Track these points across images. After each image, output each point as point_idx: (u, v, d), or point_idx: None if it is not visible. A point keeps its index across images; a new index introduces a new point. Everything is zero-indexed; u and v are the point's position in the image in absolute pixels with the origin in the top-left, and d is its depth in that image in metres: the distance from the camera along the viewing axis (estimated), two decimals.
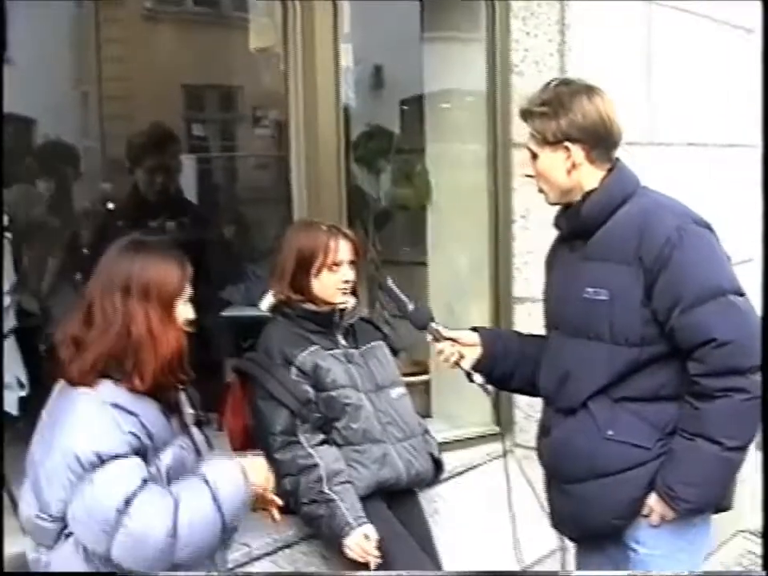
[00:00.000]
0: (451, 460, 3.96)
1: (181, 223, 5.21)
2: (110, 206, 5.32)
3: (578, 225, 2.67)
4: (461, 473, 4.02)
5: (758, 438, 2.61)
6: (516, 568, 3.69)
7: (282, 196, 4.07)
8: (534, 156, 2.68)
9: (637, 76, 4.13)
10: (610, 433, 2.59)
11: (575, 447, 2.65)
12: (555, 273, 2.83)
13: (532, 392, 2.95)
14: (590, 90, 2.66)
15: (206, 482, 2.36)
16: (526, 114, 2.69)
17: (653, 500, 2.58)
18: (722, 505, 2.70)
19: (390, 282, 3.00)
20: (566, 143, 2.61)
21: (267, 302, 3.31)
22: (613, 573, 2.85)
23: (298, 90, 3.56)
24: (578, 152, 2.61)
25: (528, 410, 4.15)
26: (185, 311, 2.44)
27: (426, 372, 4.54)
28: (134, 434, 2.28)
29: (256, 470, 2.51)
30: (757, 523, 4.96)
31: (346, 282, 3.23)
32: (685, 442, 2.50)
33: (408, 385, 3.68)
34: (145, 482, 2.27)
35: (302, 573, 3.24)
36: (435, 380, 4.52)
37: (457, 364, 2.88)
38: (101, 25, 10.84)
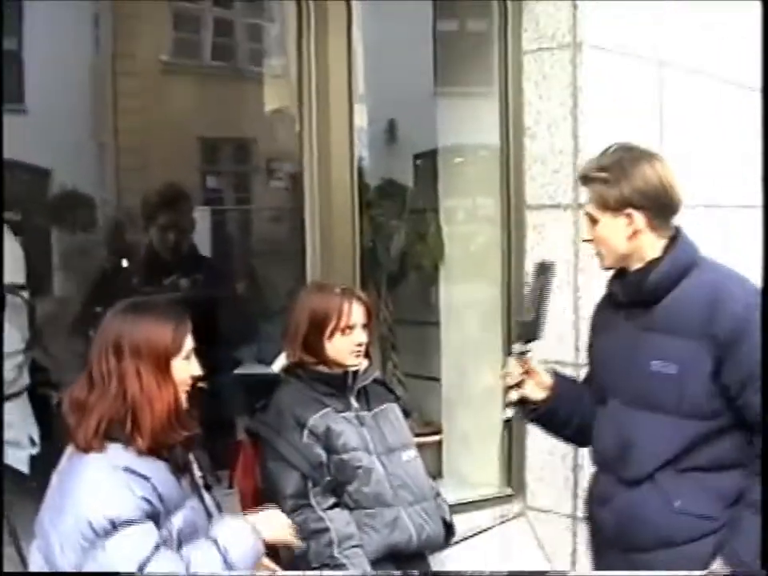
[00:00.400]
0: (463, 522, 3.93)
1: (195, 280, 5.25)
2: (125, 263, 5.34)
3: (640, 294, 2.66)
4: (473, 535, 3.98)
5: None
6: None
7: (295, 249, 4.09)
8: (594, 221, 2.68)
9: (649, 138, 4.14)
10: (678, 504, 2.58)
11: (643, 519, 2.63)
12: (607, 339, 2.79)
13: (581, 442, 2.98)
14: (651, 156, 2.68)
15: (216, 544, 2.35)
16: (587, 180, 2.69)
17: (717, 567, 2.54)
18: None
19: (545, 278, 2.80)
20: (628, 210, 2.60)
21: (280, 363, 3.30)
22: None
23: (312, 150, 3.60)
24: (639, 219, 2.60)
25: (539, 472, 4.14)
26: (185, 368, 2.45)
27: (437, 432, 4.54)
28: (147, 499, 2.27)
29: (271, 524, 2.54)
30: None
31: (359, 345, 3.22)
32: (752, 516, 2.49)
33: (419, 445, 3.67)
34: (157, 547, 2.26)
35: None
36: (447, 440, 4.51)
37: (509, 389, 2.80)
38: (117, 77, 10.96)
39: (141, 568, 2.21)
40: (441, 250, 4.52)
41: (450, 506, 3.56)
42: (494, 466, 4.29)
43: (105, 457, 2.31)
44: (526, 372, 2.80)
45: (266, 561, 2.65)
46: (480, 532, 4.02)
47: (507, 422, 2.96)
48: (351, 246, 3.70)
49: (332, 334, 3.18)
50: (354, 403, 3.28)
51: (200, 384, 4.80)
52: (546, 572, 3.18)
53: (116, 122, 11.72)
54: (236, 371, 4.64)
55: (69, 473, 2.35)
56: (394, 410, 3.40)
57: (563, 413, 2.86)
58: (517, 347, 2.80)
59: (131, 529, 2.23)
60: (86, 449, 2.32)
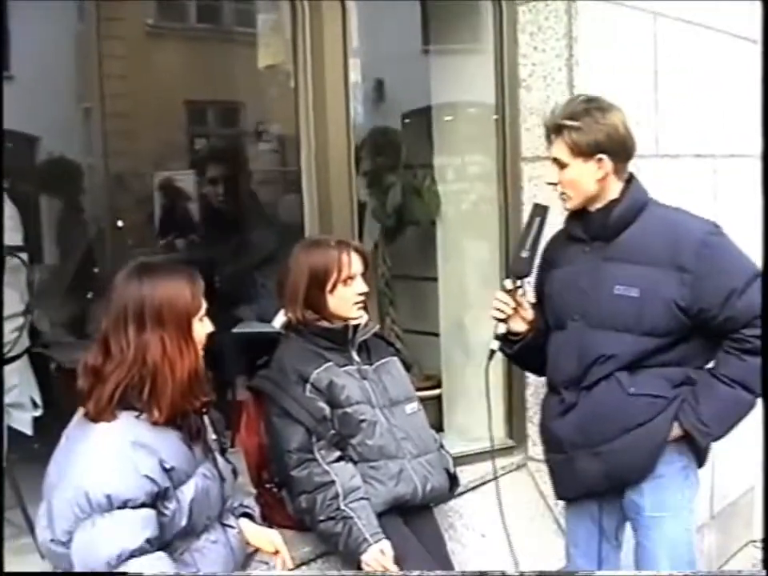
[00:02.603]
0: (465, 474, 3.97)
1: (191, 241, 5.26)
2: (120, 224, 5.34)
3: (604, 229, 2.96)
4: (476, 486, 4.01)
5: None
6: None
7: (286, 210, 4.08)
8: (563, 166, 2.95)
9: (643, 89, 4.14)
10: (632, 390, 2.92)
11: (603, 410, 2.96)
12: (567, 270, 3.07)
13: (536, 372, 3.37)
14: (614, 107, 2.98)
15: None
16: (559, 128, 2.92)
17: (676, 432, 2.94)
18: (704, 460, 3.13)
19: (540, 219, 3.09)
20: (600, 155, 2.90)
21: (280, 320, 3.30)
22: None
23: (308, 106, 3.56)
24: (608, 163, 2.91)
25: None
26: (202, 328, 2.43)
27: (438, 386, 4.55)
28: (151, 479, 2.26)
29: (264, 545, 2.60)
30: None
31: (361, 294, 3.23)
32: (724, 387, 2.87)
33: (420, 399, 3.68)
34: (150, 541, 2.24)
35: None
36: (447, 394, 4.52)
37: (498, 321, 3.12)
38: (103, 41, 10.85)
39: (119, 557, 2.20)
40: (437, 205, 4.50)
41: (454, 458, 3.60)
42: (494, 418, 4.29)
43: (115, 428, 2.29)
44: (515, 307, 3.10)
45: (277, 541, 2.66)
46: (482, 483, 4.03)
47: (492, 354, 3.15)
48: (349, 203, 3.67)
49: (334, 287, 3.18)
50: (356, 357, 3.29)
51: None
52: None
53: (102, 87, 11.64)
54: (235, 330, 4.63)
55: (77, 439, 2.33)
56: (395, 363, 3.42)
57: (536, 344, 3.14)
58: (509, 283, 3.11)
59: (126, 512, 2.22)
60: (98, 417, 2.30)
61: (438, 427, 4.40)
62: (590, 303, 2.96)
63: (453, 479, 3.43)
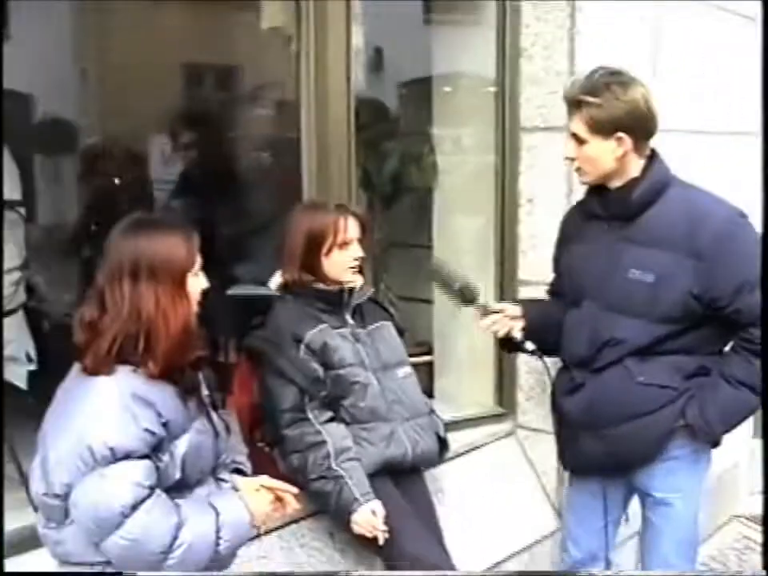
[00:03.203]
0: (455, 440, 4.00)
1: (188, 203, 5.26)
2: (117, 181, 5.34)
3: (624, 209, 2.89)
4: (465, 453, 4.05)
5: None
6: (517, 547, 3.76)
7: (284, 174, 4.08)
8: (581, 141, 2.85)
9: (645, 61, 4.14)
10: (641, 378, 2.88)
11: (610, 395, 2.94)
12: (584, 248, 3.02)
13: (554, 353, 3.16)
14: (636, 82, 2.87)
15: (217, 516, 2.37)
16: (578, 103, 2.82)
17: (681, 424, 2.92)
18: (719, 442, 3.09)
19: (437, 263, 3.34)
20: (619, 133, 2.81)
21: (276, 281, 3.33)
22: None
23: (309, 71, 3.56)
24: (628, 141, 2.82)
25: (530, 392, 4.21)
26: (197, 283, 2.43)
27: (429, 353, 4.58)
28: (149, 431, 2.27)
29: (260, 503, 2.56)
30: (752, 509, 5.04)
31: (356, 259, 3.26)
32: (730, 389, 2.85)
33: (411, 365, 3.71)
34: (153, 489, 2.27)
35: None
36: (438, 361, 4.56)
37: (509, 336, 3.09)
38: (102, 1, 10.79)
39: (134, 506, 2.23)
40: (434, 173, 4.52)
41: (446, 424, 3.64)
42: (484, 386, 4.34)
43: (113, 381, 2.29)
44: (504, 317, 3.10)
45: (269, 482, 2.67)
46: (472, 449, 4.07)
47: (536, 353, 3.10)
48: (347, 169, 3.68)
49: (329, 251, 3.21)
50: (350, 320, 3.33)
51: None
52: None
53: (99, 47, 11.57)
54: (230, 291, 4.65)
55: (75, 393, 2.34)
56: (388, 327, 3.45)
57: (539, 329, 3.10)
58: (478, 306, 3.11)
59: (130, 463, 2.24)
60: (95, 371, 2.31)
61: (429, 393, 4.43)
62: (604, 285, 2.92)
63: (443, 443, 3.47)
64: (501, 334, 3.09)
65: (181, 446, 2.38)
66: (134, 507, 2.23)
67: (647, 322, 2.85)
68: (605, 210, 2.95)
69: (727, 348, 2.95)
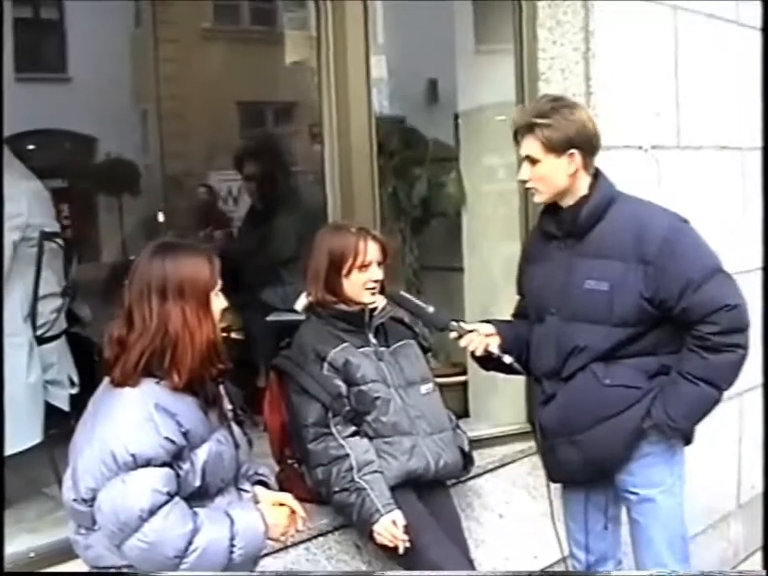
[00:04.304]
0: (486, 456, 4.09)
1: (228, 233, 5.44)
2: (161, 217, 5.53)
3: (575, 226, 3.07)
4: (495, 468, 4.12)
5: None
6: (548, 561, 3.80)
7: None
8: (534, 162, 3.04)
9: (663, 80, 4.23)
10: (607, 381, 3.03)
11: (579, 400, 3.08)
12: (543, 266, 3.19)
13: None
14: (578, 104, 3.15)
15: (232, 524, 2.47)
16: (531, 126, 3.01)
17: (648, 424, 3.04)
18: (690, 438, 3.22)
19: (402, 293, 3.35)
20: (572, 150, 3.00)
21: (301, 302, 3.45)
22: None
23: (331, 100, 3.70)
24: (579, 158, 3.02)
25: None
26: (219, 302, 2.57)
27: (463, 373, 4.65)
28: (170, 440, 2.40)
29: (278, 517, 2.66)
30: None
31: (375, 281, 3.35)
32: (688, 384, 2.97)
33: (446, 386, 3.79)
34: (171, 496, 2.39)
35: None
36: (472, 381, 4.63)
37: (487, 351, 3.18)
38: (159, 44, 11.10)
39: (152, 511, 2.35)
40: (462, 197, 4.62)
41: (475, 441, 3.72)
42: (516, 403, 4.40)
43: (138, 391, 2.44)
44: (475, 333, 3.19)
45: (289, 500, 2.76)
46: (503, 465, 4.14)
47: (515, 366, 3.17)
48: (371, 194, 3.80)
49: (349, 272, 3.32)
50: (372, 340, 3.43)
51: (235, 335, 4.97)
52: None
53: (158, 88, 11.89)
54: (269, 318, 4.78)
55: (102, 403, 2.49)
56: (411, 346, 3.55)
57: (513, 345, 3.23)
58: (454, 334, 3.21)
59: (150, 470, 2.36)
60: (123, 383, 2.45)
61: (464, 413, 4.53)
62: (564, 298, 3.07)
63: (467, 458, 3.55)
64: (479, 351, 3.18)
65: (201, 454, 2.50)
66: (152, 512, 2.35)
67: (607, 327, 3.00)
68: (559, 229, 3.12)
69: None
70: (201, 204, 8.05)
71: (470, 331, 3.19)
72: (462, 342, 3.19)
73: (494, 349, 3.17)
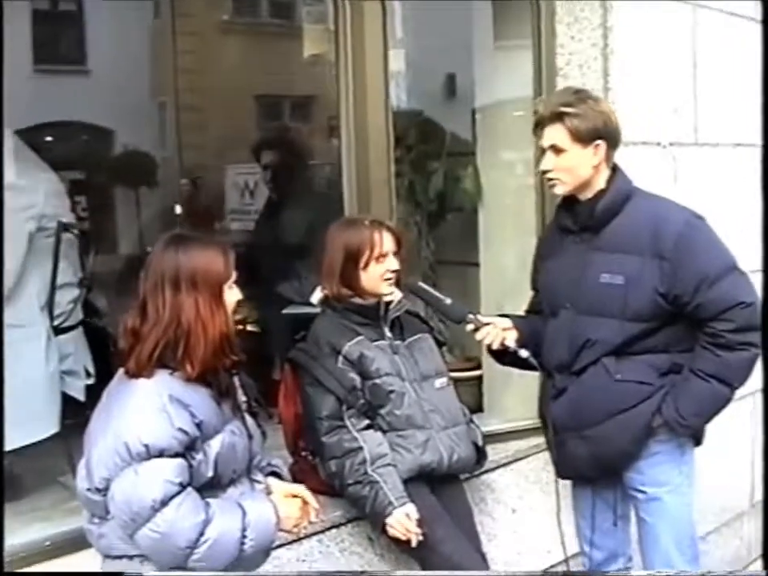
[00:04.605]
0: (500, 451, 4.09)
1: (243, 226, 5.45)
2: (178, 210, 5.55)
3: (591, 220, 3.07)
4: (507, 463, 4.12)
5: None
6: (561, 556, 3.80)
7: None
8: (559, 152, 3.02)
9: (681, 78, 4.22)
10: (618, 376, 3.03)
11: (591, 394, 3.08)
12: (559, 261, 3.19)
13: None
14: (601, 98, 3.17)
15: (244, 515, 2.48)
16: (559, 115, 3.00)
17: (658, 422, 3.04)
18: (701, 439, 3.21)
19: (421, 284, 3.36)
20: (598, 141, 3.00)
21: (317, 296, 3.46)
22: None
23: (348, 94, 3.71)
24: (602, 151, 3.01)
25: None
26: (232, 295, 2.58)
27: (478, 367, 4.66)
28: (183, 430, 2.41)
29: (290, 509, 2.68)
30: None
31: (392, 271, 3.36)
32: (700, 382, 2.97)
33: (461, 380, 3.79)
34: (184, 486, 2.41)
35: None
36: (487, 375, 4.64)
37: (503, 345, 3.18)
38: (178, 36, 11.13)
39: (164, 502, 2.37)
40: (478, 192, 4.62)
41: (489, 436, 3.72)
42: (531, 398, 4.39)
43: (152, 382, 2.46)
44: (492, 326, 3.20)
45: (302, 491, 2.77)
46: (515, 460, 4.15)
47: (531, 360, 3.16)
48: (387, 189, 3.81)
49: (366, 264, 3.33)
50: (388, 333, 3.43)
51: (251, 327, 4.98)
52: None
53: (176, 81, 11.92)
54: (286, 311, 4.79)
55: (117, 394, 2.51)
56: (427, 339, 3.56)
57: (529, 340, 3.22)
58: (470, 326, 3.21)
59: (163, 460, 2.38)
60: (137, 374, 2.47)
61: (478, 407, 4.53)
62: (579, 291, 3.07)
63: (480, 452, 3.56)
64: (496, 344, 3.19)
65: (214, 445, 2.52)
66: (164, 503, 2.37)
67: (620, 321, 3.00)
68: (575, 223, 3.12)
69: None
70: (184, 199, 8.12)
71: (487, 324, 3.19)
72: (479, 335, 3.19)
73: (511, 343, 3.16)
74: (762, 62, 3.67)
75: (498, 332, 3.18)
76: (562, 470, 3.28)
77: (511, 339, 3.18)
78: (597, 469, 3.17)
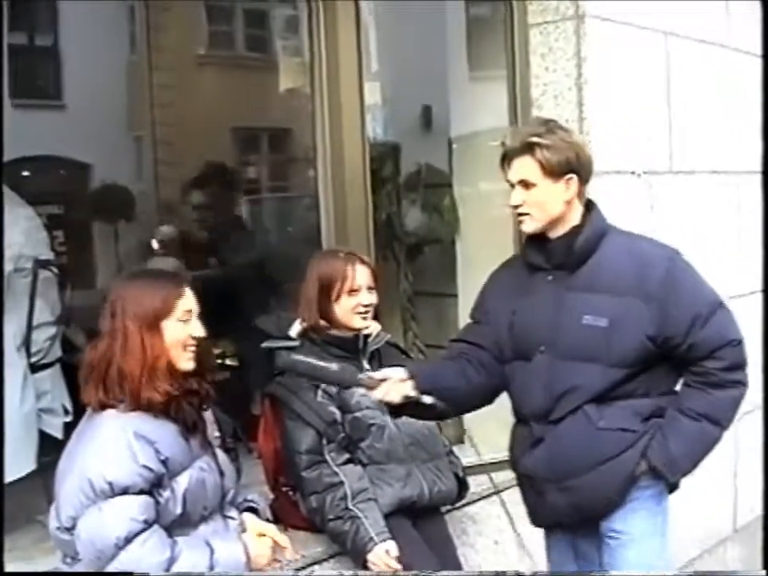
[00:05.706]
0: (481, 483, 4.07)
1: (222, 260, 5.44)
2: (155, 244, 5.53)
3: (568, 258, 2.87)
4: (488, 495, 4.10)
5: None
6: None
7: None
8: (528, 186, 2.84)
9: (656, 106, 4.25)
10: (600, 423, 2.84)
11: (571, 444, 2.87)
12: (530, 300, 2.95)
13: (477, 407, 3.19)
14: (572, 130, 3.04)
15: (212, 554, 2.47)
16: (531, 146, 2.81)
17: (644, 468, 2.87)
18: (677, 485, 3.02)
19: (295, 356, 2.95)
20: (570, 175, 2.83)
21: (296, 329, 3.45)
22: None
23: (324, 126, 3.72)
24: (575, 185, 2.85)
25: None
26: (182, 329, 2.56)
27: None
28: (149, 468, 2.41)
29: (261, 548, 2.66)
30: None
31: (365, 306, 3.36)
32: (690, 421, 2.84)
33: None
34: (149, 524, 2.40)
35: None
36: None
37: (405, 397, 2.87)
38: (153, 71, 11.13)
39: (128, 539, 2.36)
40: (456, 224, 4.63)
41: (470, 467, 3.70)
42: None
43: (118, 419, 2.46)
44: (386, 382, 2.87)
45: (274, 533, 2.76)
46: (496, 492, 4.12)
47: (434, 404, 2.83)
48: (365, 221, 3.81)
49: (338, 296, 3.33)
50: (366, 365, 3.40)
51: (230, 361, 4.95)
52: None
53: (153, 115, 11.90)
54: (264, 345, 4.76)
55: (83, 432, 2.52)
56: None
57: (429, 383, 2.91)
58: (362, 382, 2.88)
59: (127, 498, 2.38)
60: (95, 407, 2.49)
61: (459, 439, 4.50)
62: (556, 334, 2.87)
63: (462, 484, 3.53)
64: (398, 398, 2.86)
65: (182, 482, 2.52)
66: (128, 540, 2.36)
67: (603, 367, 2.82)
68: (548, 260, 2.91)
69: (679, 385, 2.94)
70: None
71: (383, 380, 2.87)
72: (377, 394, 2.87)
73: (412, 392, 2.84)
74: (762, 88, 3.67)
75: (397, 386, 2.85)
76: (539, 519, 3.12)
77: (410, 388, 2.85)
78: (577, 519, 2.99)
